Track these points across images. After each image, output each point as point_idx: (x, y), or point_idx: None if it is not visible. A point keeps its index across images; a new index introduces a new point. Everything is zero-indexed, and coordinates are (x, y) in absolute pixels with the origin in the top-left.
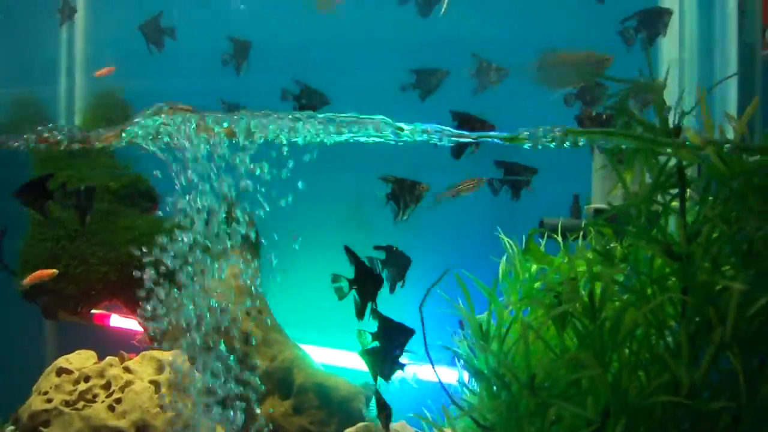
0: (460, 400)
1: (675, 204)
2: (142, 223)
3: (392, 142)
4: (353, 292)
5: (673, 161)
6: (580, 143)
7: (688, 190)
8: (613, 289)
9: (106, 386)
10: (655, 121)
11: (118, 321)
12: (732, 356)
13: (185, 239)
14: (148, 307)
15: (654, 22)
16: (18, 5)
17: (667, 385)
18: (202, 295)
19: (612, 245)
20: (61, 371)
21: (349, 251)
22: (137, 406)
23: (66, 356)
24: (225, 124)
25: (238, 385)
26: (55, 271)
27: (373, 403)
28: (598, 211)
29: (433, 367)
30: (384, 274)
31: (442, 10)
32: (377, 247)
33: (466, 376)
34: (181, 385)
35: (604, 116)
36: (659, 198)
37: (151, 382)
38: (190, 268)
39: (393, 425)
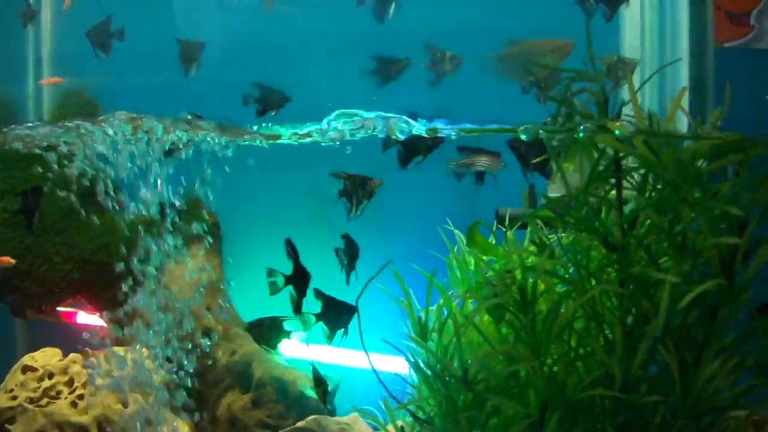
0: (406, 392)
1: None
2: (104, 220)
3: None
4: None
5: (611, 151)
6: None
7: (630, 179)
8: (549, 281)
9: (69, 383)
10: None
11: (85, 318)
12: (663, 350)
13: (146, 236)
14: (111, 304)
15: None
16: None
17: (604, 378)
18: (163, 291)
19: (552, 236)
20: (26, 369)
21: (289, 244)
22: (99, 402)
23: (31, 354)
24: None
25: (199, 380)
26: (12, 260)
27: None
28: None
29: (368, 358)
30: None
31: (390, 13)
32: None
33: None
34: (143, 380)
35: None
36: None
37: (113, 378)
38: (150, 266)
39: (345, 418)
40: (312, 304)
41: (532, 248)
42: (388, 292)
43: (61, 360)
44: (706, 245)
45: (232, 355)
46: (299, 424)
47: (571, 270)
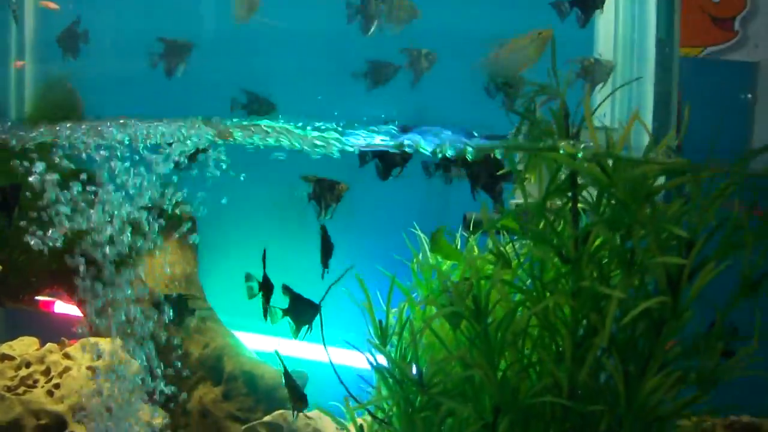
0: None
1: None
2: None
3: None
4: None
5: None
6: None
7: (587, 193)
8: (504, 290)
9: (46, 372)
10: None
11: (62, 307)
12: (607, 362)
13: (119, 228)
14: (84, 295)
15: None
16: None
17: (553, 386)
18: (136, 284)
19: (514, 242)
20: (3, 357)
21: (263, 256)
22: (74, 390)
23: (9, 343)
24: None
25: (171, 372)
26: None
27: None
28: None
29: (329, 357)
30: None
31: (370, 31)
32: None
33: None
34: (117, 370)
35: None
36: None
37: (89, 368)
38: (122, 257)
39: (310, 413)
40: (280, 300)
41: (491, 256)
42: (351, 296)
43: (38, 349)
44: (653, 263)
45: (204, 348)
46: (266, 418)
47: (528, 280)
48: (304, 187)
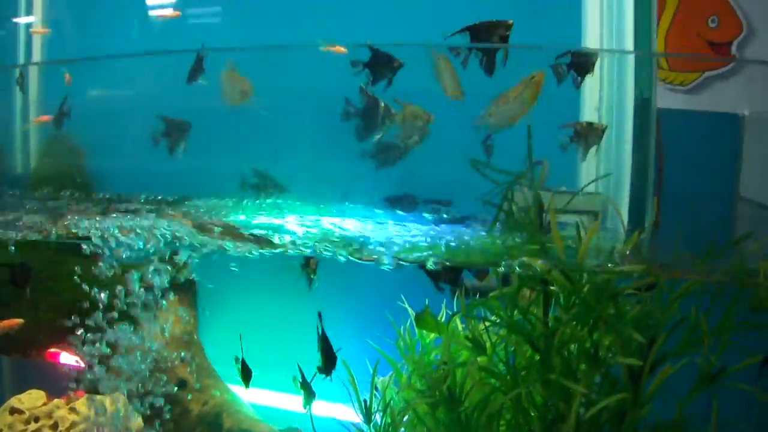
0: None
1: None
2: (84, 272)
3: None
4: None
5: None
6: None
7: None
8: (479, 376)
9: (54, 426)
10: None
11: (67, 358)
12: None
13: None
14: (86, 354)
15: (584, 62)
16: None
17: None
18: (139, 344)
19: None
20: (13, 411)
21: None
22: None
23: (18, 396)
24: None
25: (173, 428)
26: (21, 320)
27: None
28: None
29: (309, 413)
30: None
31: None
32: None
33: None
34: (121, 426)
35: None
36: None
37: (95, 423)
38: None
39: None
40: None
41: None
42: (339, 379)
43: (45, 404)
44: (614, 361)
45: (203, 405)
46: None
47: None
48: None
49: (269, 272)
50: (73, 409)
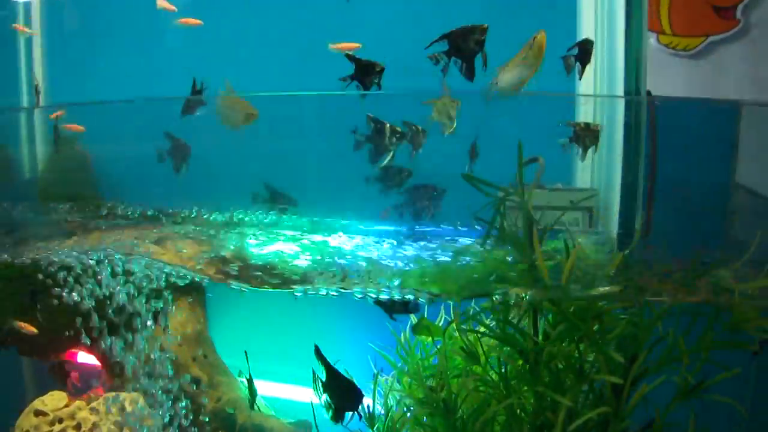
0: None
1: None
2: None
3: None
4: None
5: None
6: None
7: None
8: (472, 386)
9: (77, 427)
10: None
11: (85, 357)
12: None
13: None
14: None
15: (588, 52)
16: None
17: None
18: (152, 344)
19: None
20: (38, 413)
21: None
22: None
23: (41, 398)
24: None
25: (188, 424)
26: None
27: None
28: None
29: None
30: None
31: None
32: None
33: None
34: (141, 424)
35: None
36: None
37: (115, 423)
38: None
39: None
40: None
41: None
42: None
43: (67, 405)
44: (598, 377)
45: (217, 401)
46: None
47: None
48: None
49: None
50: (93, 410)
